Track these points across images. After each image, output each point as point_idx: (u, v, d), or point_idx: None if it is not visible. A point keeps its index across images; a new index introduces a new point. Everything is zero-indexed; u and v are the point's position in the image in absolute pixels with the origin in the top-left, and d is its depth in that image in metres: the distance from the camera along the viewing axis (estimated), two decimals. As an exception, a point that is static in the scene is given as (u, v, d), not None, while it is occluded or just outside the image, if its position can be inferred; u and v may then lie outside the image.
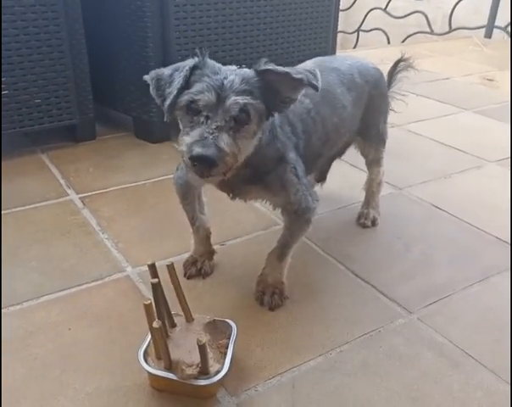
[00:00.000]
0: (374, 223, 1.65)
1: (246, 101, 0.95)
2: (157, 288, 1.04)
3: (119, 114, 2.34)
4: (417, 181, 1.95)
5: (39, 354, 1.12)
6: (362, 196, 1.71)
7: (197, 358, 0.99)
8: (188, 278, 1.36)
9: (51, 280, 1.35)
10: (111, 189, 1.83)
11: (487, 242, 1.58)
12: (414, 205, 1.80)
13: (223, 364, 1.03)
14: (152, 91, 1.02)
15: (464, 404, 1.04)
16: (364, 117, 1.51)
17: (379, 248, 1.56)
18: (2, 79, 1.87)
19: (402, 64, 1.69)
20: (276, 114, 1.12)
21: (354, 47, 5.68)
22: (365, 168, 1.69)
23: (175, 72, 0.99)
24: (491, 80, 3.33)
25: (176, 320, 1.12)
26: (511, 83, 3.09)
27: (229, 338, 1.09)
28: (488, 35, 4.57)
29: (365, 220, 1.65)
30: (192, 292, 1.32)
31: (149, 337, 1.04)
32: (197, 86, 0.95)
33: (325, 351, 1.15)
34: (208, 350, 1.02)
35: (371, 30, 5.57)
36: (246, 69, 1.01)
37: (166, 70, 1.02)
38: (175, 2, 1.99)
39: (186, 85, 0.98)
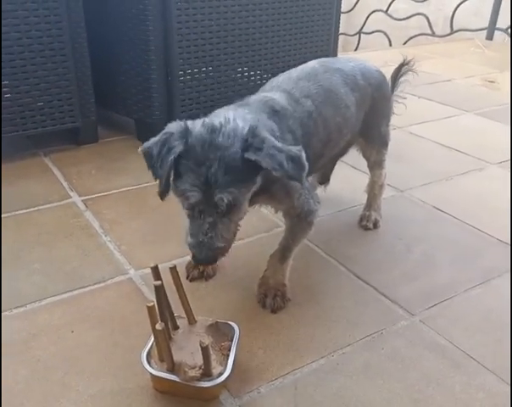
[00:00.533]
0: (376, 225, 1.65)
1: (231, 196, 0.98)
2: (159, 290, 1.04)
3: (121, 117, 2.35)
4: (418, 183, 1.96)
5: (42, 356, 1.12)
6: (364, 198, 1.71)
7: (199, 360, 1.00)
8: (191, 280, 1.37)
9: (54, 282, 1.36)
10: (113, 192, 1.84)
11: (489, 244, 1.58)
12: (416, 207, 1.80)
13: (225, 366, 1.03)
14: (147, 166, 1.04)
15: (465, 406, 1.04)
16: (367, 119, 1.51)
17: (380, 249, 1.56)
18: (5, 82, 1.88)
19: (405, 67, 1.70)
20: (275, 126, 1.13)
21: (356, 49, 5.68)
22: (367, 170, 1.69)
23: (163, 150, 0.99)
24: (492, 81, 3.33)
25: (179, 322, 1.12)
26: (511, 85, 3.10)
27: (231, 340, 1.10)
28: (490, 37, 4.57)
29: (367, 222, 1.65)
30: (195, 294, 1.32)
31: (152, 339, 1.04)
32: (184, 183, 0.98)
33: (327, 353, 1.16)
34: (211, 352, 1.03)
35: (373, 32, 5.58)
36: (231, 139, 0.98)
37: (154, 147, 1.01)
38: (177, 6, 2.00)
39: (175, 170, 1.00)
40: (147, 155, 1.02)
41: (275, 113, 1.18)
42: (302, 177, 1.00)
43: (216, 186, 0.97)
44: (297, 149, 1.01)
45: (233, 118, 1.02)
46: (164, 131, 1.02)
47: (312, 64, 1.42)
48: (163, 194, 1.02)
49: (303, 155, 1.01)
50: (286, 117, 1.21)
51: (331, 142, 1.38)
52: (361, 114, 1.48)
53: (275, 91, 1.29)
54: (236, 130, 0.99)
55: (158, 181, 1.02)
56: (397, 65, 1.71)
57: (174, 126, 1.02)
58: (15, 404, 1.01)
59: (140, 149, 1.04)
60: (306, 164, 1.00)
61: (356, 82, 1.44)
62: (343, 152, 1.62)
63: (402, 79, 1.71)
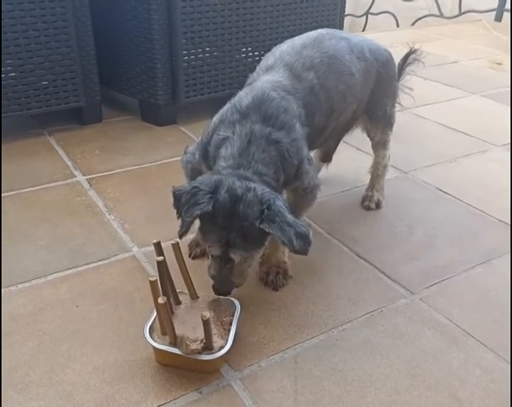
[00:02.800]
0: (378, 205, 1.66)
1: (244, 257, 1.12)
2: (162, 266, 1.06)
3: (125, 97, 2.35)
4: (422, 164, 1.96)
5: (47, 329, 1.15)
6: (367, 179, 1.72)
7: (201, 334, 1.02)
8: (193, 258, 1.38)
9: (59, 258, 1.38)
10: (117, 171, 1.85)
11: (490, 225, 1.59)
12: (419, 188, 1.80)
13: (227, 340, 1.05)
14: (173, 205, 1.13)
15: (463, 381, 1.06)
16: (372, 96, 1.51)
17: (382, 229, 1.57)
18: (9, 61, 1.89)
19: (412, 56, 1.69)
20: (280, 134, 1.17)
21: (363, 30, 5.62)
22: (371, 151, 1.70)
23: (191, 200, 1.07)
24: (499, 63, 3.30)
25: (181, 297, 1.14)
26: (511, 67, 3.07)
27: (233, 315, 1.12)
28: (498, 18, 4.51)
29: (370, 202, 1.66)
30: (198, 271, 1.33)
31: (155, 313, 1.06)
32: (207, 240, 1.12)
33: (327, 329, 1.17)
34: (212, 326, 1.05)
35: (380, 13, 5.51)
36: (251, 209, 1.06)
37: (184, 195, 1.09)
38: (180, -16, 1.99)
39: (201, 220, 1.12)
40: (176, 198, 1.12)
41: (278, 104, 1.20)
42: (307, 252, 1.09)
43: (234, 246, 1.09)
44: (305, 227, 1.08)
45: (253, 186, 1.08)
46: (193, 184, 1.10)
47: (319, 31, 1.42)
48: (182, 236, 1.11)
49: (311, 233, 1.09)
50: (290, 102, 1.22)
51: (335, 113, 1.38)
52: (367, 85, 1.47)
53: (278, 67, 1.29)
54: (255, 199, 1.07)
55: (180, 222, 1.11)
56: (403, 47, 1.70)
57: (204, 182, 1.10)
58: (22, 375, 1.04)
59: (172, 190, 1.14)
60: (312, 240, 1.09)
61: (363, 53, 1.44)
62: (348, 127, 1.60)
63: (408, 68, 1.70)
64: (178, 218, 1.11)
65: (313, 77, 1.29)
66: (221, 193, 1.07)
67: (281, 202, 1.09)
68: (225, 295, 1.17)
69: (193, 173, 1.29)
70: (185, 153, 1.33)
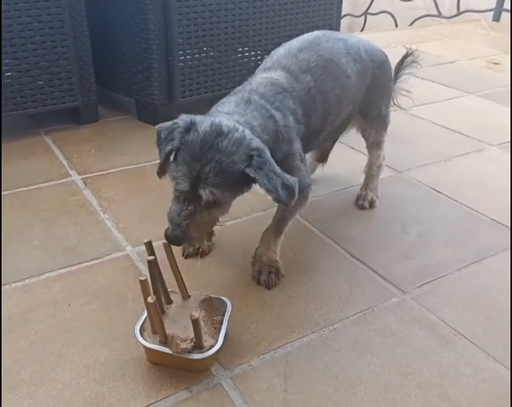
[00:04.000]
0: (372, 205, 1.66)
1: (213, 196, 1.04)
2: (153, 265, 1.06)
3: (121, 97, 2.36)
4: (417, 164, 1.96)
5: (40, 328, 1.15)
6: (361, 178, 1.72)
7: (191, 333, 1.02)
8: (186, 257, 1.39)
9: (52, 258, 1.38)
10: (113, 171, 1.85)
11: (484, 224, 1.59)
12: (413, 188, 1.80)
13: (217, 339, 1.05)
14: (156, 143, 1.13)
15: (453, 381, 1.06)
16: (367, 96, 1.51)
17: (376, 229, 1.57)
18: (6, 61, 1.89)
19: (409, 59, 1.69)
20: (277, 114, 1.17)
21: (362, 29, 5.63)
22: (365, 151, 1.70)
23: (169, 136, 1.07)
24: (497, 63, 3.30)
25: (173, 296, 1.15)
26: (511, 66, 3.07)
27: (224, 315, 1.12)
28: (496, 18, 4.51)
29: (363, 201, 1.66)
30: (190, 270, 1.34)
31: (146, 312, 1.07)
32: (177, 171, 1.06)
33: (318, 328, 1.18)
34: (203, 326, 1.05)
35: (379, 13, 5.52)
36: (236, 147, 1.03)
37: (163, 132, 1.09)
38: (176, -16, 1.99)
39: (175, 156, 1.08)
40: (158, 135, 1.11)
41: (276, 96, 1.21)
42: (290, 204, 1.07)
43: (204, 182, 1.03)
44: (291, 179, 1.07)
45: (242, 128, 1.06)
46: (175, 120, 1.09)
47: (315, 33, 1.42)
48: (159, 174, 1.11)
49: (297, 186, 1.07)
50: (286, 98, 1.22)
51: (331, 116, 1.38)
52: (363, 87, 1.48)
53: (275, 68, 1.29)
54: (242, 141, 1.04)
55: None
56: (401, 47, 1.70)
57: (183, 118, 1.08)
58: (13, 374, 1.04)
59: (156, 126, 1.14)
60: (297, 193, 1.07)
61: (359, 54, 1.44)
62: (343, 128, 1.60)
63: (406, 71, 1.70)
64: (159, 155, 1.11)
65: (310, 80, 1.29)
66: (203, 126, 1.04)
67: (268, 152, 1.07)
68: (175, 243, 1.09)
69: None
70: None
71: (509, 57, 3.42)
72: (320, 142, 1.51)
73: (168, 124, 1.09)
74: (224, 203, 1.09)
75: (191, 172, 1.03)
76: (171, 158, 1.09)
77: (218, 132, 1.03)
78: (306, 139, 1.30)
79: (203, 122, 1.05)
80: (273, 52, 1.39)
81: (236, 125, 1.06)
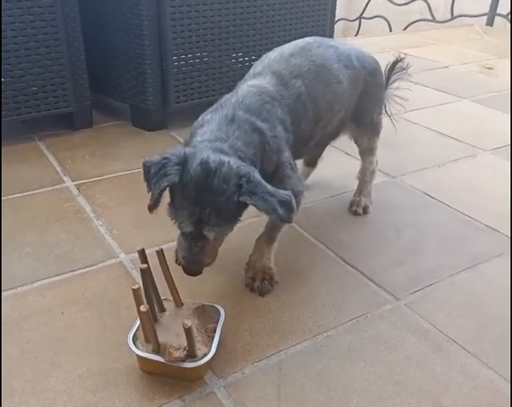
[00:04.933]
0: (365, 211, 1.67)
1: (218, 234, 1.10)
2: (146, 273, 1.06)
3: (116, 102, 2.36)
4: (411, 169, 1.97)
5: (32, 336, 1.15)
6: (355, 184, 1.72)
7: (184, 341, 1.02)
8: (179, 265, 1.38)
9: (45, 265, 1.38)
10: (107, 177, 1.85)
11: (477, 230, 1.60)
12: (407, 193, 1.81)
13: (210, 347, 1.05)
14: (143, 177, 1.11)
15: (446, 387, 1.06)
16: (359, 103, 1.52)
17: (369, 235, 1.58)
18: (-1, 67, 1.89)
19: (399, 65, 1.69)
20: (264, 126, 1.17)
21: (356, 34, 5.65)
22: (359, 156, 1.70)
23: (160, 172, 1.05)
24: (490, 68, 3.32)
25: (166, 304, 1.14)
26: (511, 72, 3.08)
27: (217, 323, 1.12)
28: (490, 23, 4.53)
29: (357, 207, 1.66)
30: (184, 278, 1.32)
31: (139, 321, 1.06)
32: (179, 216, 1.08)
33: (311, 335, 1.18)
34: (196, 334, 1.05)
35: (373, 17, 5.54)
36: (226, 181, 1.04)
37: (153, 167, 1.07)
38: (170, -10, 1.99)
39: (171, 192, 1.09)
40: (146, 170, 1.09)
41: (262, 107, 1.20)
42: (292, 219, 1.08)
43: (207, 224, 1.06)
44: (286, 194, 1.07)
45: (227, 159, 1.06)
46: (163, 155, 1.08)
47: (306, 40, 1.43)
48: (151, 209, 1.09)
49: (293, 199, 1.07)
50: (274, 107, 1.23)
51: (322, 122, 1.39)
52: (354, 93, 1.48)
53: (265, 74, 1.29)
54: (230, 173, 1.05)
55: (150, 195, 1.09)
56: (395, 51, 1.71)
57: (173, 153, 1.07)
58: (5, 383, 1.03)
59: (142, 161, 1.11)
60: (295, 207, 1.08)
61: (350, 61, 1.44)
62: (335, 134, 1.61)
63: (395, 77, 1.71)
64: (148, 191, 1.09)
65: (300, 85, 1.29)
66: (193, 166, 1.04)
67: (257, 174, 1.07)
68: (196, 275, 1.15)
69: None
70: None
71: (502, 62, 3.44)
72: (311, 148, 1.51)
73: (156, 158, 1.08)
74: (226, 235, 1.15)
75: (192, 216, 1.06)
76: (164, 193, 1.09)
77: (207, 171, 1.04)
78: (296, 145, 1.30)
79: (193, 160, 1.06)
80: (264, 56, 1.39)
81: (222, 158, 1.06)
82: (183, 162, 1.05)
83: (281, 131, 1.21)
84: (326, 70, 1.36)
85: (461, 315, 1.26)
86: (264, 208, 1.04)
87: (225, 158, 1.06)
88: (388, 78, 1.70)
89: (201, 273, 1.15)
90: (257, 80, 1.28)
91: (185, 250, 1.13)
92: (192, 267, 1.13)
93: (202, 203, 1.04)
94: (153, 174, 1.07)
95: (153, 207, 1.08)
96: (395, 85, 1.71)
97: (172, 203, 1.10)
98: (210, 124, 1.16)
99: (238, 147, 1.12)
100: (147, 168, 1.09)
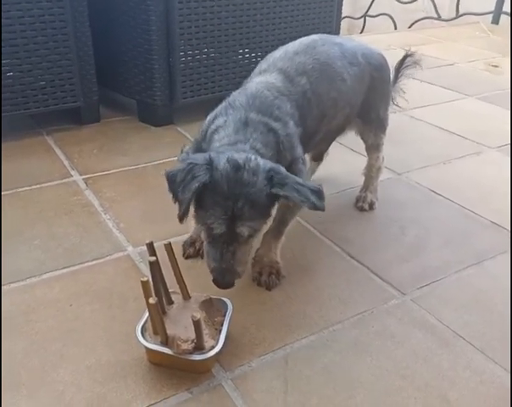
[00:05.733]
0: (371, 207, 1.67)
1: (252, 230, 1.07)
2: (154, 266, 1.07)
3: (123, 98, 2.36)
4: (416, 166, 1.97)
5: (40, 328, 1.16)
6: (361, 180, 1.73)
7: (192, 334, 1.02)
8: (186, 258, 1.39)
9: (53, 258, 1.39)
10: (114, 171, 1.86)
11: (483, 227, 1.60)
12: (412, 190, 1.81)
13: (218, 340, 1.06)
14: (168, 189, 1.08)
15: (452, 383, 1.07)
16: (366, 100, 1.52)
17: (375, 231, 1.58)
18: (7, 61, 1.90)
19: (409, 59, 1.69)
20: (277, 125, 1.17)
21: (361, 32, 5.64)
22: (365, 153, 1.70)
23: (187, 177, 1.03)
24: (496, 66, 3.31)
25: (174, 297, 1.15)
26: (511, 69, 3.07)
27: (224, 316, 1.13)
28: (495, 21, 4.52)
29: (363, 203, 1.67)
30: (191, 271, 1.35)
31: (147, 313, 1.07)
32: (209, 216, 1.05)
33: (318, 330, 1.18)
34: (204, 327, 1.06)
35: (378, 15, 5.52)
36: (256, 176, 1.03)
37: (179, 174, 1.05)
38: (178, -14, 2.00)
39: (199, 199, 1.06)
40: (170, 180, 1.07)
41: (275, 97, 1.21)
42: (324, 207, 1.08)
43: (241, 218, 1.04)
44: (316, 185, 1.08)
45: (253, 156, 1.06)
46: (188, 161, 1.06)
47: (312, 37, 1.43)
48: (182, 218, 1.06)
49: (323, 189, 1.09)
50: (284, 102, 1.23)
51: (326, 118, 1.39)
52: (360, 90, 1.48)
53: (271, 71, 1.30)
54: (258, 168, 1.05)
55: (178, 205, 1.06)
56: (400, 49, 1.71)
57: (198, 157, 1.07)
58: (13, 374, 1.04)
59: (164, 173, 1.09)
60: (324, 195, 1.09)
61: (356, 57, 1.44)
62: (341, 130, 1.61)
63: (406, 71, 1.71)
64: (175, 201, 1.06)
65: (305, 82, 1.30)
66: (220, 164, 1.03)
67: (284, 169, 1.08)
68: (228, 287, 1.11)
69: None
70: (181, 152, 1.34)
71: (507, 59, 3.43)
72: (317, 143, 1.52)
73: (180, 165, 1.06)
74: (258, 234, 1.12)
75: (225, 212, 1.03)
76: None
77: (236, 167, 1.03)
78: (302, 140, 1.30)
79: (219, 160, 1.05)
80: (269, 55, 1.40)
81: (247, 155, 1.06)
82: (210, 162, 1.04)
83: (292, 126, 1.22)
84: (330, 68, 1.37)
85: (467, 310, 1.26)
86: (298, 198, 1.03)
87: (252, 156, 1.06)
88: (398, 73, 1.70)
89: (233, 285, 1.12)
90: (264, 77, 1.29)
91: (215, 259, 1.09)
92: (225, 278, 1.10)
93: (234, 196, 1.02)
94: (179, 181, 1.04)
95: (183, 215, 1.05)
96: (404, 80, 1.71)
97: (200, 208, 1.08)
98: (226, 129, 1.15)
99: (259, 148, 1.12)
100: (171, 177, 1.06)
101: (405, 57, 1.71)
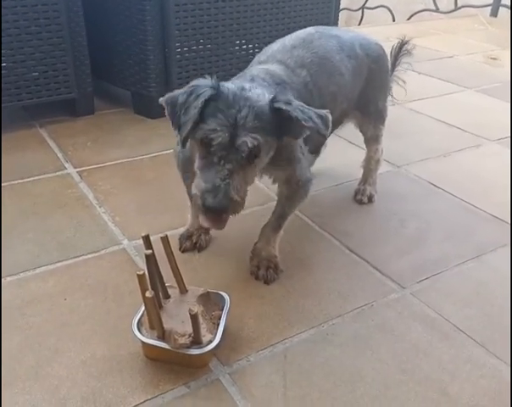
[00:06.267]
0: (370, 199, 1.65)
1: (257, 141, 0.98)
2: (150, 259, 1.05)
3: (117, 89, 2.33)
4: (415, 159, 1.95)
5: (35, 322, 1.14)
6: (360, 173, 1.71)
7: (189, 328, 1.01)
8: (183, 251, 1.37)
9: (48, 251, 1.36)
10: (109, 163, 1.83)
11: (482, 220, 1.58)
12: (412, 183, 1.79)
13: (215, 334, 1.04)
14: (167, 115, 1.03)
15: (452, 376, 1.05)
16: (364, 92, 1.50)
17: (375, 224, 1.56)
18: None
19: (405, 47, 1.67)
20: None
21: (359, 24, 5.60)
22: (364, 145, 1.68)
23: (190, 98, 0.99)
24: (495, 58, 3.29)
25: (170, 291, 1.13)
26: (511, 62, 3.06)
27: (222, 310, 1.11)
28: (494, 13, 4.50)
29: (362, 196, 1.65)
30: (188, 264, 1.33)
31: (143, 307, 1.05)
32: (211, 123, 0.98)
33: (317, 323, 1.17)
34: (201, 321, 1.04)
35: (376, 7, 5.49)
36: (261, 96, 1.01)
37: (180, 96, 1.00)
38: (173, -25, 1.96)
39: (201, 116, 0.99)
40: (171, 103, 1.01)
41: (277, 85, 1.18)
42: (327, 134, 1.04)
43: (244, 128, 0.97)
44: (323, 111, 1.04)
45: (255, 86, 1.05)
46: (190, 84, 1.02)
47: (308, 30, 1.40)
48: (186, 140, 1.00)
49: (330, 117, 1.03)
50: (285, 89, 1.20)
51: None
52: (358, 83, 1.46)
53: (271, 62, 1.27)
54: (263, 91, 1.04)
55: (178, 130, 1.01)
56: (397, 41, 1.69)
57: (202, 80, 1.03)
58: (8, 369, 1.02)
59: (162, 99, 1.03)
60: (331, 124, 1.03)
61: (353, 50, 1.42)
62: (337, 124, 1.59)
63: (403, 59, 1.69)
64: (175, 127, 1.01)
65: (306, 74, 1.28)
66: (225, 86, 1.01)
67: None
68: (219, 209, 0.98)
69: (184, 162, 1.28)
70: (177, 144, 1.32)
71: (506, 52, 3.41)
72: (315, 140, 1.49)
73: (180, 90, 1.01)
74: (261, 153, 1.02)
75: (228, 120, 0.96)
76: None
77: (242, 87, 1.01)
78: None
79: (224, 84, 1.02)
80: (266, 48, 1.37)
81: (251, 84, 1.05)
82: (214, 84, 1.00)
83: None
84: (329, 62, 1.34)
85: (467, 304, 1.25)
86: (301, 116, 0.99)
87: (256, 84, 1.06)
88: (395, 61, 1.67)
89: (226, 211, 1.00)
90: (265, 66, 1.26)
91: (208, 180, 0.98)
92: (218, 198, 0.96)
93: (238, 106, 0.97)
94: (181, 103, 0.99)
95: (187, 137, 0.99)
96: (402, 67, 1.69)
97: (199, 123, 0.99)
98: (232, 81, 1.12)
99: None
100: (171, 101, 1.01)
101: (402, 44, 1.68)
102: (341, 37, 1.41)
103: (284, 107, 1.00)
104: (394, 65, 1.69)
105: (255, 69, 1.24)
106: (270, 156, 1.09)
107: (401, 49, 1.68)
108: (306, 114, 1.00)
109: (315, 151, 1.77)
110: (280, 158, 1.16)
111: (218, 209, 0.98)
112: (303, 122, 1.00)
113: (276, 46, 1.34)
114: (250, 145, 0.98)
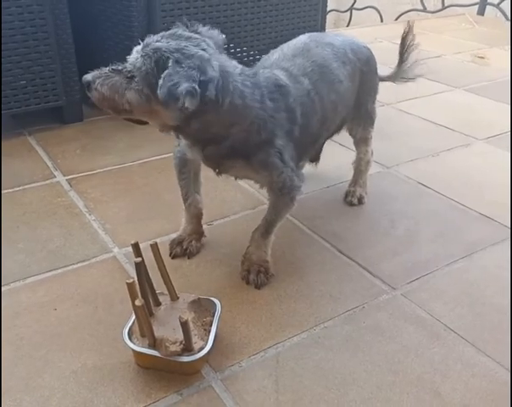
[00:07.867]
0: (361, 201, 1.66)
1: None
2: (140, 267, 1.04)
3: (106, 96, 2.32)
4: (405, 159, 1.96)
5: (25, 333, 1.13)
6: (350, 175, 1.71)
7: (181, 335, 1.00)
8: (173, 258, 1.37)
9: (38, 261, 1.36)
10: (98, 171, 1.83)
11: (472, 219, 1.59)
12: (402, 183, 1.80)
13: (207, 341, 1.04)
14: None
15: (444, 376, 1.06)
16: (357, 96, 1.50)
17: (365, 225, 1.57)
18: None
19: (409, 38, 1.64)
20: (270, 104, 1.14)
21: (348, 25, 5.62)
22: (354, 147, 1.69)
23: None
24: (482, 57, 3.31)
25: (161, 298, 1.13)
26: (511, 64, 3.07)
27: (213, 316, 1.11)
28: (481, 12, 4.53)
29: (352, 197, 1.65)
30: (179, 271, 1.33)
31: (134, 315, 1.05)
32: None
33: (308, 327, 1.17)
34: (193, 327, 1.04)
35: (364, 8, 5.51)
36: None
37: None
38: (160, -19, 1.96)
39: None
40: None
41: (278, 88, 1.18)
42: (165, 104, 1.04)
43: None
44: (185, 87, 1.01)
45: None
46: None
47: (303, 39, 1.40)
48: None
49: (198, 91, 1.00)
50: (288, 94, 1.20)
51: (328, 121, 1.38)
52: (354, 89, 1.47)
53: (275, 68, 1.27)
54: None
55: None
56: (387, 42, 1.69)
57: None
58: (-2, 381, 1.02)
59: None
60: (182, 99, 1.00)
61: (346, 56, 1.42)
62: (336, 131, 1.57)
63: (412, 53, 1.65)
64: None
65: (308, 83, 1.28)
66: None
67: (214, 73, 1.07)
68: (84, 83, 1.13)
69: (180, 160, 1.31)
70: (178, 144, 1.33)
71: (494, 51, 3.44)
72: (316, 149, 1.53)
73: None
74: (140, 83, 1.08)
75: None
76: None
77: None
78: (304, 145, 1.28)
79: None
80: (265, 57, 1.37)
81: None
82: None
83: (284, 118, 1.18)
84: (328, 71, 1.35)
85: (458, 303, 1.25)
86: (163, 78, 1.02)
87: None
88: (402, 56, 1.65)
89: (87, 85, 1.16)
90: (267, 71, 1.25)
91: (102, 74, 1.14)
92: (88, 75, 1.15)
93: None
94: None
95: None
96: (412, 55, 1.66)
97: None
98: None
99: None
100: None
101: (405, 37, 1.63)
102: (334, 45, 1.41)
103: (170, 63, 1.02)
104: (402, 61, 1.66)
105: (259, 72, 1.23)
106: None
107: (405, 43, 1.63)
108: (172, 74, 1.00)
109: (315, 159, 1.77)
110: (253, 159, 1.17)
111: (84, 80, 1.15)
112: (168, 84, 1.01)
113: (277, 54, 1.34)
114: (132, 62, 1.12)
